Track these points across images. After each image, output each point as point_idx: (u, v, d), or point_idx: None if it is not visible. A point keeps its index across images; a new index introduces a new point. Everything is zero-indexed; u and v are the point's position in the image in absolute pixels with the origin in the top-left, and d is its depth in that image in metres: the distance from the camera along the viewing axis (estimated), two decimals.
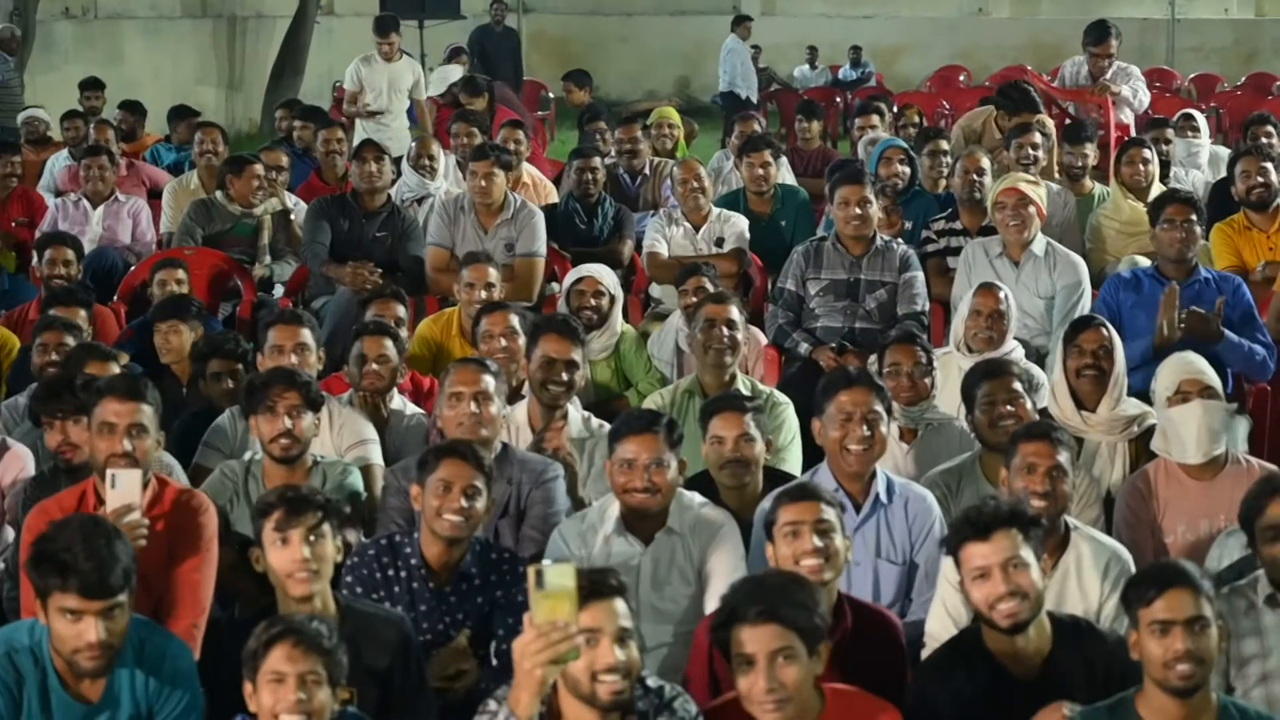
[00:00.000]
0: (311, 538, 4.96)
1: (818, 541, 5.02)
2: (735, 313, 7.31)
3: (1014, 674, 4.74)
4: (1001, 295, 7.53)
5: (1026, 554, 4.69)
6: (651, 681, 4.49)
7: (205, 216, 10.44)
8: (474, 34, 19.71)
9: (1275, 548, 5.06)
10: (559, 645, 4.03)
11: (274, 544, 4.98)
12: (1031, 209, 8.47)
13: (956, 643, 4.91)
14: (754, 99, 20.05)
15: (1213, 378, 6.47)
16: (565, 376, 6.75)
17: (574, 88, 16.08)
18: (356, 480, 6.31)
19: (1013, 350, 7.50)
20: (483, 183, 9.57)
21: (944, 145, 10.97)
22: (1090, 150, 10.48)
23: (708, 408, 6.38)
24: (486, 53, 19.23)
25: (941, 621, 5.45)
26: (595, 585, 4.26)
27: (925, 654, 5.30)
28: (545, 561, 4.18)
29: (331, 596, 5.07)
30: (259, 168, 10.51)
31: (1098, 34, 11.79)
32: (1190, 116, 12.68)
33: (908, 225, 9.87)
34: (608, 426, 6.55)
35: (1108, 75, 11.68)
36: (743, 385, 7.16)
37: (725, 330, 7.21)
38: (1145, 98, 12.07)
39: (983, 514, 4.75)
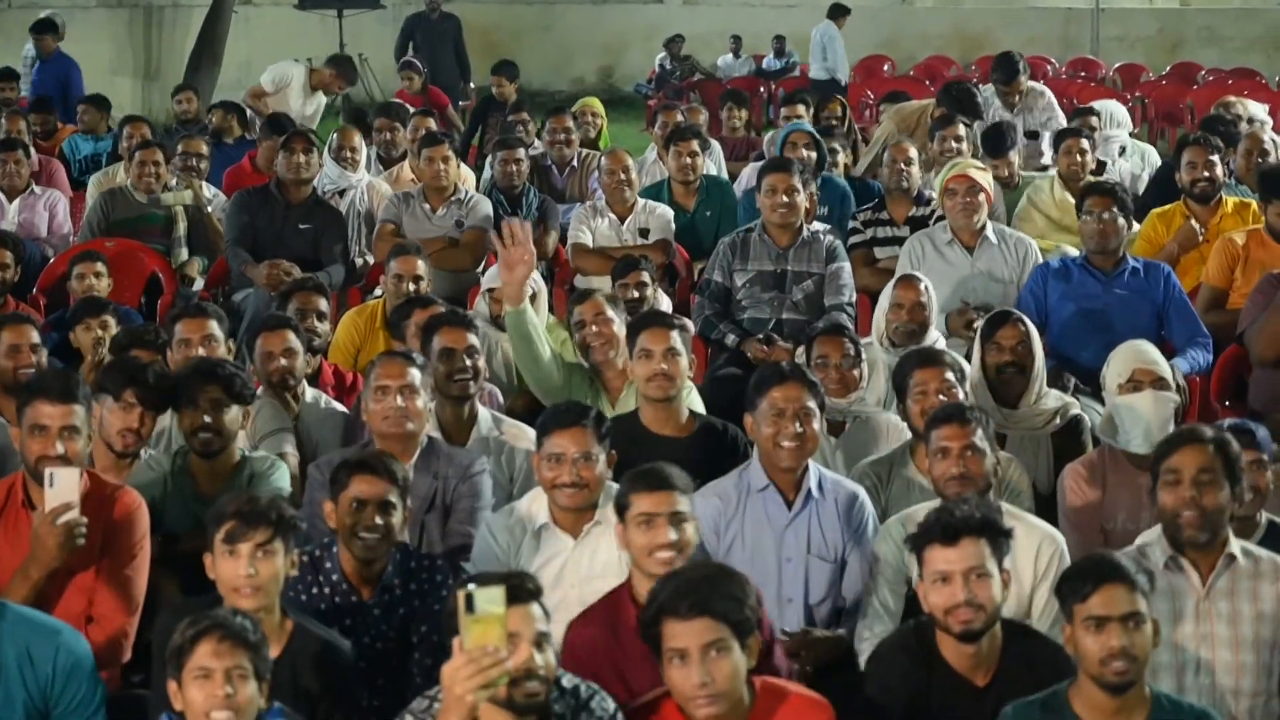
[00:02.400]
0: (260, 553, 4.90)
1: (672, 534, 5.03)
2: (607, 308, 7.29)
3: (964, 676, 4.74)
4: (922, 287, 7.58)
5: (991, 565, 4.69)
6: (566, 682, 4.47)
7: (111, 205, 10.53)
8: (407, 21, 19.58)
9: (1171, 493, 5.09)
10: (489, 671, 4.03)
11: (223, 554, 4.93)
12: (981, 195, 8.55)
13: (908, 640, 4.90)
14: (844, 82, 20.14)
15: (1165, 368, 6.55)
16: (467, 363, 6.72)
17: (504, 81, 16.02)
18: (284, 477, 6.26)
19: (935, 341, 7.51)
20: (440, 166, 10.03)
21: (873, 133, 11.20)
22: (1015, 158, 10.64)
23: (636, 323, 6.74)
24: (420, 42, 19.04)
25: (877, 618, 5.52)
26: (513, 590, 4.22)
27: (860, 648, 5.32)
28: (472, 586, 4.14)
29: (280, 612, 5.00)
30: (157, 154, 10.62)
31: (1006, 72, 11.89)
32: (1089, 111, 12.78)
33: (823, 209, 9.85)
34: (517, 427, 6.79)
35: (1017, 109, 11.78)
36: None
37: (595, 328, 7.21)
38: (1060, 118, 12.12)
39: (954, 518, 4.73)
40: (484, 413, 6.85)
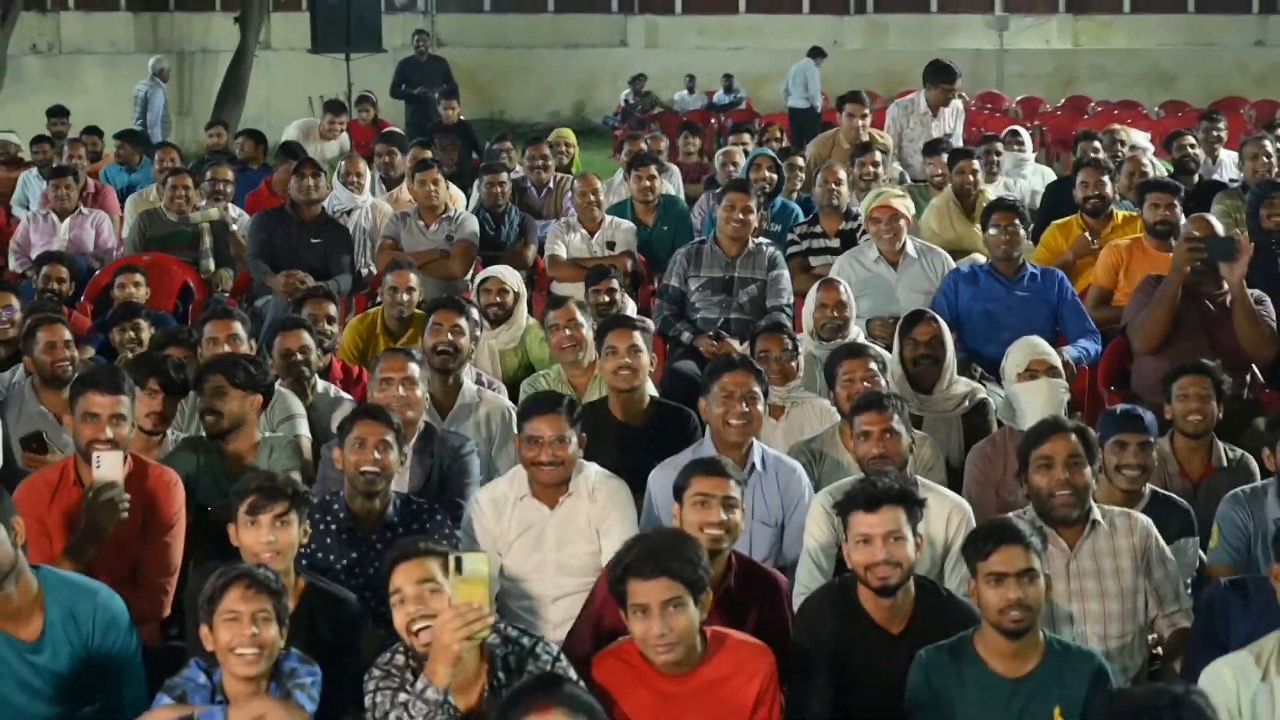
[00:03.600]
0: (278, 523, 4.96)
1: (723, 515, 5.04)
2: (578, 314, 7.32)
3: (881, 626, 4.76)
4: (842, 288, 7.63)
5: (906, 530, 4.70)
6: (511, 632, 4.48)
7: (147, 223, 10.56)
8: (400, 66, 19.46)
9: (1044, 476, 5.12)
10: (474, 624, 4.09)
11: (245, 525, 4.98)
12: (901, 221, 8.61)
13: (833, 594, 4.91)
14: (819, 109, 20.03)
15: (1057, 359, 6.57)
16: (449, 338, 6.89)
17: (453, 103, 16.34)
18: (296, 455, 6.30)
19: (857, 336, 7.55)
20: (431, 188, 10.01)
21: (800, 161, 11.42)
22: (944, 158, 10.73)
23: (604, 325, 6.84)
24: (413, 81, 19.03)
25: (810, 575, 5.52)
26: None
27: (796, 600, 5.35)
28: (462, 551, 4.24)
29: (295, 573, 5.04)
30: (187, 180, 10.67)
31: (945, 75, 11.84)
32: (1016, 133, 12.89)
33: (775, 227, 9.97)
34: (499, 394, 7.07)
35: (947, 109, 11.77)
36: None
37: (568, 332, 7.24)
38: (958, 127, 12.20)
39: (875, 489, 4.76)
40: (468, 383, 6.99)
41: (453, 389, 6.94)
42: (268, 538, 4.93)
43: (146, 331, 7.79)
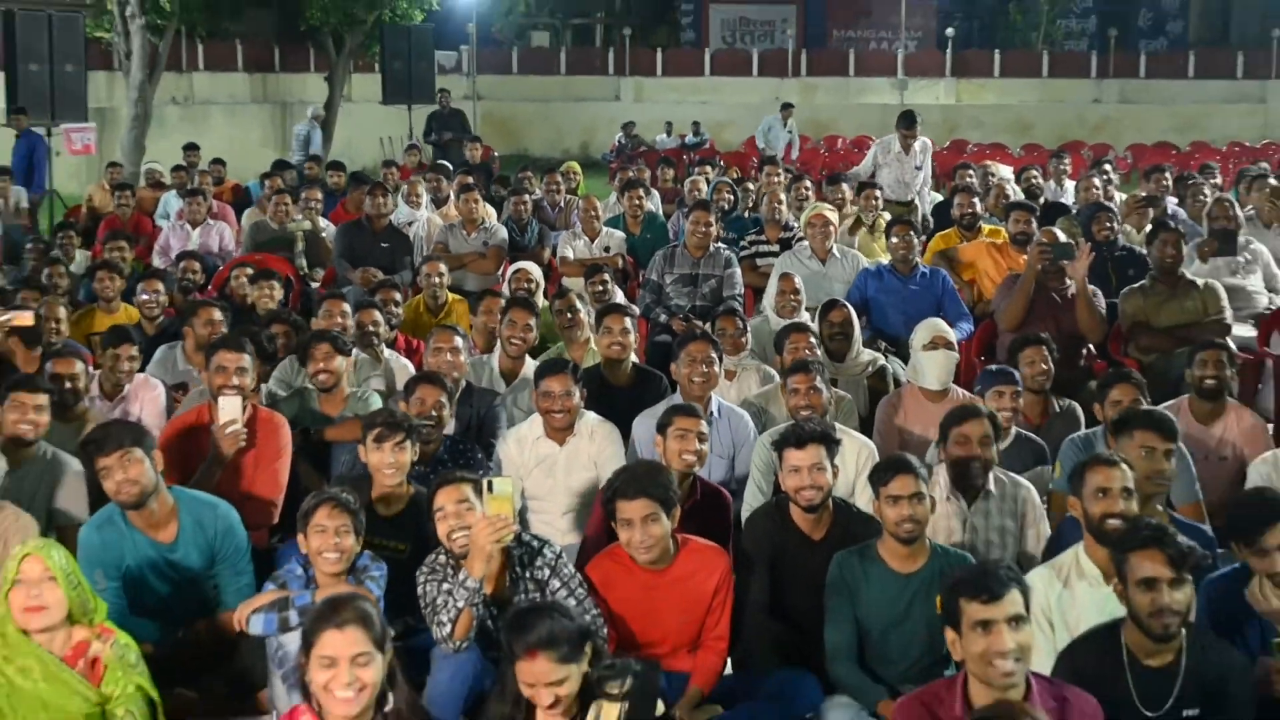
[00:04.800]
0: (397, 448, 4.94)
1: (697, 445, 5.05)
2: (576, 302, 7.29)
3: (807, 534, 4.74)
4: (796, 281, 7.61)
5: (826, 462, 4.67)
6: (525, 538, 4.43)
7: (257, 231, 10.62)
8: (429, 117, 19.41)
9: (962, 448, 5.01)
10: (501, 530, 4.10)
11: (373, 448, 4.96)
12: (830, 227, 8.63)
13: (771, 510, 4.89)
14: (779, 158, 19.44)
15: (951, 336, 6.46)
16: (522, 334, 6.85)
17: (477, 145, 16.11)
18: (375, 402, 6.21)
19: (806, 319, 7.52)
20: (471, 205, 10.00)
21: (751, 186, 11.53)
22: (847, 190, 10.70)
23: (601, 311, 6.73)
24: (438, 128, 19.01)
25: (754, 496, 5.53)
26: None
27: (744, 514, 5.35)
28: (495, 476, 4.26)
29: (406, 484, 5.02)
30: (288, 198, 10.73)
31: (908, 122, 11.61)
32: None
33: (732, 235, 9.92)
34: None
35: (916, 146, 11.51)
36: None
37: (569, 316, 7.23)
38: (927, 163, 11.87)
39: (804, 430, 4.73)
40: (528, 361, 6.91)
41: (518, 365, 6.90)
42: (390, 459, 4.93)
43: (218, 317, 7.33)
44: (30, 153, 14.37)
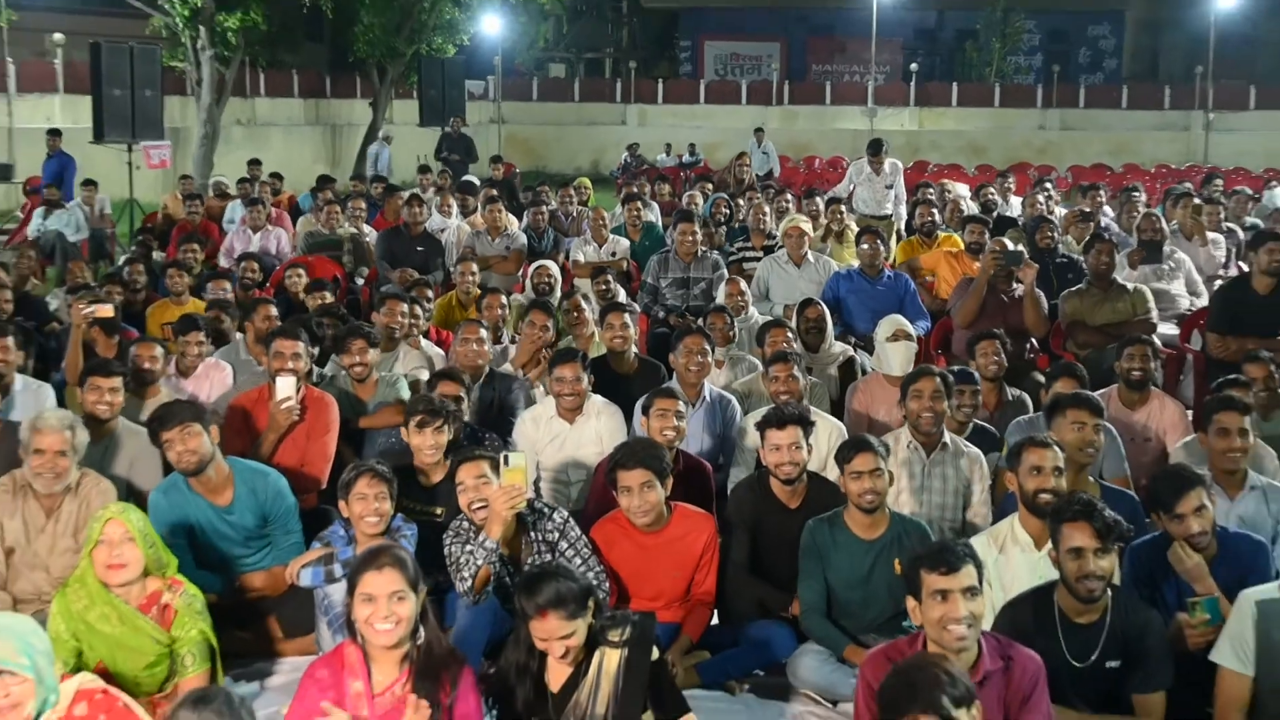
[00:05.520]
0: (436, 431, 4.91)
1: (675, 422, 5.04)
2: (581, 302, 7.25)
3: (784, 503, 4.74)
4: (741, 284, 7.63)
5: (802, 441, 4.67)
6: (537, 504, 4.41)
7: (310, 236, 10.60)
8: (440, 136, 19.12)
9: (916, 402, 5.07)
10: (516, 498, 4.08)
11: (415, 432, 4.91)
12: (805, 238, 8.56)
13: (753, 482, 4.87)
14: (775, 174, 18.75)
15: (911, 330, 6.42)
16: (539, 334, 6.74)
17: (500, 165, 15.99)
18: (404, 388, 6.20)
19: (780, 314, 7.51)
20: (496, 214, 9.96)
21: (740, 202, 11.49)
22: (820, 204, 10.62)
23: (605, 308, 6.66)
24: (448, 149, 18.58)
25: (739, 469, 5.52)
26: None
27: (730, 484, 5.33)
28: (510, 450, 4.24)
29: (445, 461, 4.97)
30: (337, 208, 10.72)
31: (875, 149, 11.46)
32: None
33: (728, 245, 9.89)
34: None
35: (886, 168, 11.38)
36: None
37: (576, 314, 7.19)
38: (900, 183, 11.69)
39: (784, 413, 4.71)
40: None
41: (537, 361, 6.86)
42: (431, 441, 4.89)
43: (274, 313, 7.17)
44: (61, 170, 14.47)
